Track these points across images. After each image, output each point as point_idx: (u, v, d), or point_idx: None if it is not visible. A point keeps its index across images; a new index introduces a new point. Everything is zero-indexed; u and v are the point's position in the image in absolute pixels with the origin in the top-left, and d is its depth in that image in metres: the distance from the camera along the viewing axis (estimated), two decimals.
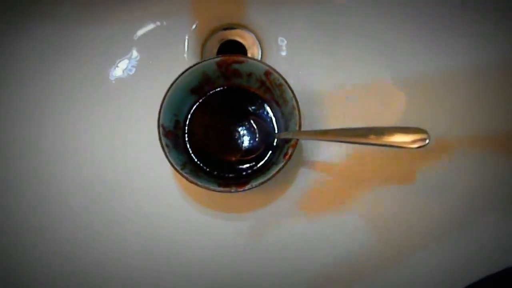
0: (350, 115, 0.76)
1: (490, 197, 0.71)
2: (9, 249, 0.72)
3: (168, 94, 0.67)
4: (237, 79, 0.73)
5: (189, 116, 0.74)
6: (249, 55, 0.78)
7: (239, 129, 0.73)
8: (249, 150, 0.73)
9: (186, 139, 0.73)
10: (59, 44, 0.76)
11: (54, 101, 0.76)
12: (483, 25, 0.73)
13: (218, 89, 0.75)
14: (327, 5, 0.77)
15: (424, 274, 0.70)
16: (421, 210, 0.73)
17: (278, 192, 0.75)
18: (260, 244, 0.74)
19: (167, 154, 0.66)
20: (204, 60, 0.68)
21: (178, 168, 0.65)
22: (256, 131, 0.73)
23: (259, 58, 0.78)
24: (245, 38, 0.79)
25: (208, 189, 0.65)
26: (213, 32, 0.79)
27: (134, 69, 0.77)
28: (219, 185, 0.67)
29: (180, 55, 0.77)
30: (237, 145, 0.73)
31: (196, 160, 0.73)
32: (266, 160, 0.73)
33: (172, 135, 0.70)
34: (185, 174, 0.65)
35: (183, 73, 0.68)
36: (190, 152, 0.73)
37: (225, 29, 0.79)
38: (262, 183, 0.65)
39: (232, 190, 0.66)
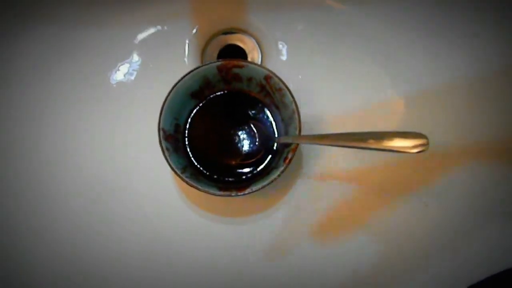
0: (350, 119, 0.76)
1: (491, 200, 0.71)
2: (9, 249, 0.72)
3: (169, 98, 0.67)
4: (237, 83, 0.73)
5: (189, 120, 0.74)
6: (249, 59, 0.78)
7: (239, 133, 0.73)
8: (249, 154, 0.73)
9: (186, 143, 0.74)
10: (59, 45, 0.76)
11: (54, 101, 0.76)
12: (483, 28, 0.73)
13: (219, 93, 0.75)
14: (327, 10, 0.77)
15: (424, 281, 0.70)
16: (422, 215, 0.73)
17: (278, 196, 0.75)
18: (259, 248, 0.74)
19: (168, 157, 0.66)
20: (205, 64, 0.68)
21: (178, 172, 0.66)
22: (256, 135, 0.73)
23: (259, 63, 0.78)
24: (245, 43, 0.79)
25: (208, 193, 0.65)
26: (214, 36, 0.79)
27: (134, 73, 0.77)
28: (219, 189, 0.67)
29: (181, 59, 0.77)
30: (237, 149, 0.73)
31: (196, 164, 0.73)
32: (266, 164, 0.73)
33: (173, 139, 0.70)
34: (185, 178, 0.65)
35: (183, 77, 0.68)
36: (190, 155, 0.73)
37: (226, 33, 0.79)
38: (262, 187, 0.65)
39: (232, 194, 0.66)
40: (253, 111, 0.74)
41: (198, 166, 0.73)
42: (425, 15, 0.75)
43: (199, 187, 0.65)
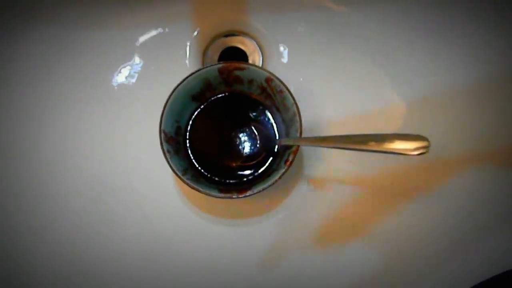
0: (351, 121, 0.76)
1: (492, 201, 0.71)
2: (9, 249, 0.72)
3: (170, 100, 0.67)
4: (239, 85, 0.73)
5: (190, 122, 0.74)
6: (250, 61, 0.79)
7: (240, 135, 0.73)
8: (250, 156, 0.73)
9: (187, 145, 0.74)
10: (60, 45, 0.76)
11: (54, 101, 0.75)
12: (483, 28, 0.73)
13: (220, 95, 0.75)
14: (327, 11, 0.77)
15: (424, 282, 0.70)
16: (423, 216, 0.73)
17: (278, 198, 0.76)
18: (260, 250, 0.74)
19: (169, 160, 0.66)
20: (206, 67, 0.68)
21: (180, 174, 0.66)
22: (257, 137, 0.73)
23: (260, 65, 0.78)
24: (246, 45, 0.79)
25: (209, 195, 0.65)
26: (215, 38, 0.79)
27: (135, 74, 0.77)
28: (220, 191, 0.67)
29: (182, 62, 0.77)
30: (238, 151, 0.73)
31: (197, 166, 0.73)
32: (267, 167, 0.73)
33: (174, 141, 0.70)
34: (186, 180, 0.65)
35: (185, 79, 0.68)
36: (191, 158, 0.73)
37: (227, 35, 0.79)
38: (263, 189, 0.65)
39: (233, 196, 0.66)
40: (254, 113, 0.74)
41: (199, 168, 0.73)
42: (424, 15, 0.75)
43: (200, 189, 0.65)
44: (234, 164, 0.73)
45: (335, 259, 0.74)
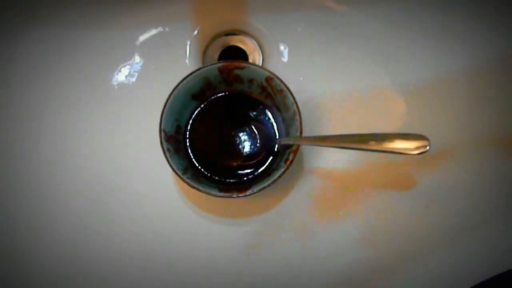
0: (352, 120, 0.76)
1: (492, 201, 0.71)
2: (9, 249, 0.72)
3: (170, 99, 0.67)
4: (239, 84, 0.73)
5: (190, 121, 0.74)
6: (250, 61, 0.78)
7: (240, 134, 0.73)
8: (250, 156, 0.73)
9: (187, 144, 0.74)
10: (60, 45, 0.76)
11: (54, 101, 0.75)
12: (483, 28, 0.73)
13: (220, 94, 0.75)
14: (328, 11, 0.77)
15: (424, 282, 0.70)
16: (423, 216, 0.73)
17: (279, 197, 0.76)
18: (260, 250, 0.74)
19: (169, 158, 0.66)
20: (206, 66, 0.68)
21: (180, 173, 0.66)
22: (257, 136, 0.73)
23: (260, 64, 0.78)
24: (247, 44, 0.79)
25: (209, 194, 0.65)
26: (215, 37, 0.79)
27: (135, 74, 0.77)
28: (220, 190, 0.67)
29: (182, 61, 0.77)
30: (238, 151, 0.73)
31: (197, 165, 0.73)
32: (267, 166, 0.73)
33: (174, 140, 0.70)
34: (186, 179, 0.65)
35: (185, 78, 0.68)
36: (191, 157, 0.73)
37: (227, 35, 0.79)
38: (263, 188, 0.65)
39: (233, 195, 0.66)
40: (254, 113, 0.74)
41: (199, 167, 0.73)
42: (425, 15, 0.75)
43: (200, 188, 0.65)
44: (234, 163, 0.73)
45: (335, 256, 0.74)
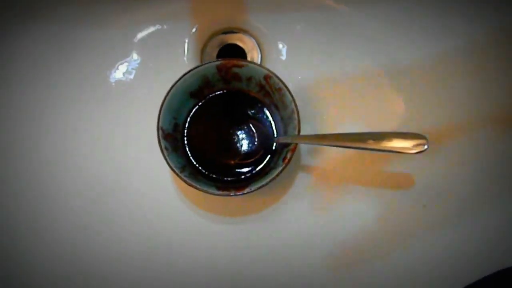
0: (350, 119, 0.76)
1: (490, 200, 0.71)
2: (9, 249, 0.72)
3: (168, 97, 0.67)
4: (237, 82, 0.73)
5: (188, 119, 0.74)
6: (248, 59, 0.78)
7: (238, 132, 0.73)
8: (248, 154, 0.73)
9: (185, 142, 0.73)
10: (59, 45, 0.76)
11: (54, 101, 0.76)
12: (483, 28, 0.73)
13: (218, 92, 0.75)
14: (327, 10, 0.77)
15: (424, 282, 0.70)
16: (420, 212, 0.73)
17: (276, 196, 0.75)
18: (259, 248, 0.74)
19: (166, 157, 0.66)
20: (204, 64, 0.68)
21: (177, 171, 0.66)
22: (255, 135, 0.73)
23: (259, 62, 0.78)
24: (245, 42, 0.79)
25: (207, 192, 0.65)
26: (213, 35, 0.79)
27: (134, 72, 0.77)
28: (218, 188, 0.67)
29: (180, 58, 0.77)
30: (236, 149, 0.73)
31: (195, 163, 0.73)
32: (265, 164, 0.73)
33: (171, 138, 0.70)
34: (184, 177, 0.65)
35: (183, 76, 0.68)
36: (189, 155, 0.73)
37: (225, 33, 0.79)
38: (261, 187, 0.65)
39: (231, 194, 0.65)
40: (252, 111, 0.74)
41: (197, 165, 0.73)
42: (425, 15, 0.75)
43: (198, 186, 0.65)
44: (232, 162, 0.73)
45: (334, 256, 0.73)
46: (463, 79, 0.74)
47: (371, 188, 0.74)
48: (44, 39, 0.75)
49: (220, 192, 0.66)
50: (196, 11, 0.78)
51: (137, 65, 0.77)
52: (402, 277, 0.71)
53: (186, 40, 0.78)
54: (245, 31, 0.79)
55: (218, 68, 0.70)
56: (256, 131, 0.73)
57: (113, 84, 0.77)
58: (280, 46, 0.78)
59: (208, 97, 0.75)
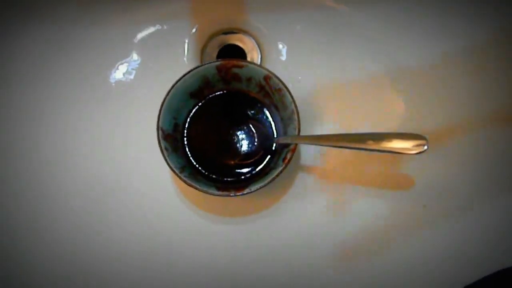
0: (350, 120, 0.76)
1: (490, 201, 0.71)
2: (9, 249, 0.72)
3: (168, 97, 0.67)
4: (237, 83, 0.73)
5: (188, 120, 0.74)
6: (248, 59, 0.78)
7: (238, 133, 0.73)
8: (248, 154, 0.73)
9: (185, 142, 0.73)
10: (59, 45, 0.76)
11: (54, 101, 0.76)
12: (483, 28, 0.73)
13: (218, 93, 0.75)
14: (327, 10, 0.77)
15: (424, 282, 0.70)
16: (420, 212, 0.73)
17: (276, 196, 0.75)
18: (258, 248, 0.74)
19: (166, 157, 0.66)
20: (204, 64, 0.68)
21: (177, 172, 0.65)
22: (255, 135, 0.73)
23: (259, 63, 0.78)
24: (245, 43, 0.78)
25: (207, 192, 0.65)
26: (213, 36, 0.79)
27: (134, 72, 0.77)
28: (218, 189, 0.67)
29: (180, 59, 0.77)
30: (236, 149, 0.73)
31: (195, 163, 0.73)
32: (265, 165, 0.73)
33: (171, 138, 0.70)
34: (183, 178, 0.65)
35: (183, 76, 0.68)
36: (189, 155, 0.73)
37: (225, 33, 0.79)
38: (261, 187, 0.65)
39: (231, 194, 0.65)
40: (252, 111, 0.74)
41: (197, 165, 0.73)
42: (425, 15, 0.75)
43: (198, 187, 0.65)
44: (232, 162, 0.73)
45: (334, 255, 0.73)
46: (463, 79, 0.74)
47: (371, 189, 0.74)
48: (44, 39, 0.75)
49: (220, 193, 0.66)
50: (196, 11, 0.78)
51: (137, 65, 0.77)
52: (402, 277, 0.71)
53: (186, 40, 0.78)
54: (245, 32, 0.79)
55: (218, 68, 0.70)
56: (256, 132, 0.73)
57: (113, 84, 0.77)
58: (280, 46, 0.78)
59: (208, 97, 0.75)
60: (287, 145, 0.68)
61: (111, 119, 0.77)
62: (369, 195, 0.74)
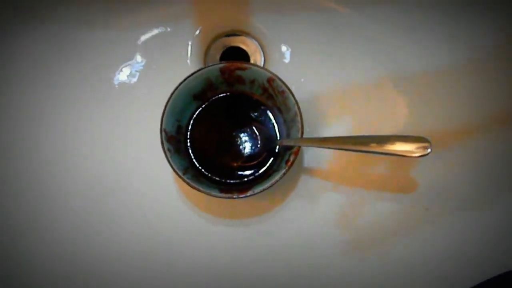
0: (353, 121, 0.76)
1: (492, 203, 0.72)
2: (9, 249, 0.72)
3: (171, 99, 0.67)
4: (240, 85, 0.73)
5: (191, 122, 0.74)
6: (251, 61, 0.78)
7: (241, 135, 0.73)
8: (250, 157, 0.73)
9: (188, 144, 0.74)
10: (60, 45, 0.75)
11: (54, 101, 0.75)
12: (483, 28, 0.73)
13: (221, 95, 0.75)
14: (330, 12, 0.77)
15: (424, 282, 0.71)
16: (422, 214, 0.73)
17: (279, 198, 0.76)
18: (260, 251, 0.74)
19: (169, 158, 0.66)
20: (208, 66, 0.68)
21: (180, 173, 0.66)
22: (258, 137, 0.73)
23: (262, 65, 0.78)
24: (248, 45, 0.78)
25: (210, 194, 0.65)
26: (216, 38, 0.79)
27: (137, 74, 0.77)
28: (221, 191, 0.67)
29: (183, 61, 0.77)
30: (239, 151, 0.73)
31: (197, 165, 0.73)
32: (267, 167, 0.73)
33: (174, 140, 0.70)
34: (186, 179, 0.65)
35: (186, 78, 0.68)
36: (192, 157, 0.73)
37: (228, 35, 0.79)
38: (264, 189, 0.65)
39: (234, 196, 0.66)
40: (255, 113, 0.74)
41: (200, 167, 0.73)
42: (425, 16, 0.75)
43: (201, 188, 0.65)
44: (234, 164, 0.73)
45: (335, 256, 0.74)
46: (464, 80, 0.74)
47: (373, 191, 0.75)
48: (44, 39, 0.75)
49: (223, 195, 0.66)
50: (200, 13, 0.77)
51: (141, 67, 0.77)
52: (403, 277, 0.72)
53: (190, 43, 0.78)
54: (248, 34, 0.79)
55: (222, 70, 0.70)
56: (259, 134, 0.73)
57: (115, 84, 0.77)
58: (283, 48, 0.78)
59: (211, 99, 0.75)
60: (290, 148, 0.68)
61: (111, 119, 0.76)
62: (371, 198, 0.74)
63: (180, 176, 0.65)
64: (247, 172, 0.73)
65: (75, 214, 0.74)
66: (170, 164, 0.65)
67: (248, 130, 0.73)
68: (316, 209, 0.75)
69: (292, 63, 0.78)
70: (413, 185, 0.74)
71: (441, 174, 0.74)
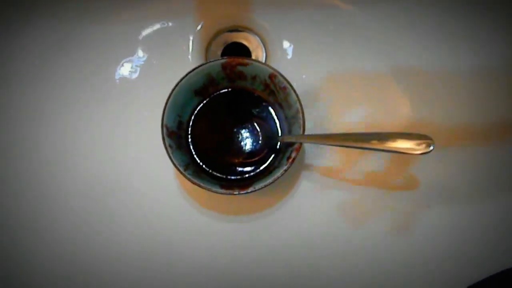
0: (354, 118, 0.76)
1: (493, 201, 0.72)
2: (9, 249, 0.72)
3: (172, 94, 0.67)
4: (242, 81, 0.73)
5: (192, 117, 0.74)
6: (253, 57, 0.78)
7: (243, 131, 0.73)
8: (252, 153, 0.73)
9: (189, 140, 0.73)
10: (59, 45, 0.76)
11: (54, 101, 0.75)
12: (483, 28, 0.73)
13: (222, 91, 0.75)
14: (332, 9, 0.77)
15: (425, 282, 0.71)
16: (423, 212, 0.73)
17: (280, 195, 0.75)
18: (262, 247, 0.74)
19: (170, 154, 0.65)
20: (209, 62, 0.68)
21: (181, 169, 0.65)
22: (260, 133, 0.73)
23: (264, 61, 0.78)
24: (250, 41, 0.79)
25: (211, 190, 0.65)
26: (218, 33, 0.79)
27: (138, 69, 0.77)
28: (222, 187, 0.67)
29: (185, 56, 0.77)
30: (240, 148, 0.73)
31: (199, 161, 0.73)
32: (269, 163, 0.73)
33: (175, 136, 0.70)
34: (187, 175, 0.65)
35: (187, 74, 0.67)
36: (193, 153, 0.73)
37: (230, 31, 0.79)
38: (265, 186, 0.65)
39: (235, 192, 0.65)
40: (256, 110, 0.74)
41: (201, 163, 0.73)
42: (426, 15, 0.75)
43: (202, 184, 0.65)
44: (236, 160, 0.73)
45: (336, 255, 0.74)
46: (465, 79, 0.74)
47: (375, 188, 0.74)
48: (44, 37, 0.75)
49: (224, 191, 0.66)
50: (201, 8, 0.78)
51: (142, 62, 0.77)
52: (403, 277, 0.72)
53: (191, 38, 0.78)
54: (250, 30, 0.79)
55: (223, 66, 0.69)
56: (260, 130, 0.73)
57: (117, 81, 0.77)
58: (285, 45, 0.78)
59: (212, 95, 0.75)
60: (291, 144, 0.68)
61: (111, 119, 0.76)
62: (373, 195, 0.74)
63: (181, 172, 0.65)
64: (248, 169, 0.73)
65: (75, 214, 0.74)
66: (171, 160, 0.65)
67: (250, 126, 0.73)
68: (316, 206, 0.75)
69: (294, 59, 0.78)
70: (415, 183, 0.74)
71: (442, 172, 0.73)
